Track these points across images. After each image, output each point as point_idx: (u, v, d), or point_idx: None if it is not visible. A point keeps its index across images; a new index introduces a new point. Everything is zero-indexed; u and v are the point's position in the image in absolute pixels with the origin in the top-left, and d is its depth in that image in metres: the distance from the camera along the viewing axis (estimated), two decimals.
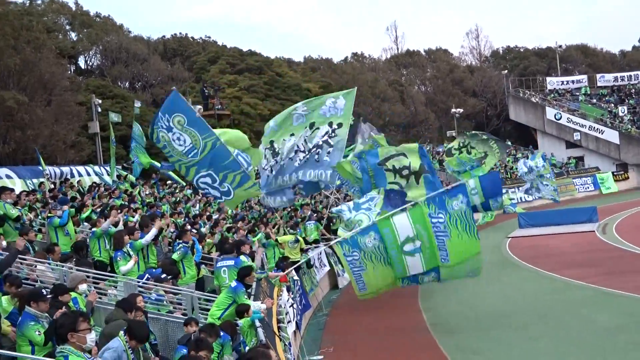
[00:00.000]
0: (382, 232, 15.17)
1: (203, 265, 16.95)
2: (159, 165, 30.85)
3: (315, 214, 26.09)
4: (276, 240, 20.15)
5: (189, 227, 19.25)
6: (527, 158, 46.31)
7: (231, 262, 13.92)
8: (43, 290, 9.06)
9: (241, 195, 15.77)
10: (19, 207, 16.19)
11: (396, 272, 15.41)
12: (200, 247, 17.03)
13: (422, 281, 16.04)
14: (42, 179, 26.77)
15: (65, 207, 15.78)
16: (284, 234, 22.50)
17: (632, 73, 76.85)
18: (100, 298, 11.40)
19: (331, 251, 24.68)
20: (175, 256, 14.63)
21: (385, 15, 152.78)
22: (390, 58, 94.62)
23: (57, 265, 12.43)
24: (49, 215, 15.71)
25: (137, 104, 35.84)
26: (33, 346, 8.10)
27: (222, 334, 9.39)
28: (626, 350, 12.75)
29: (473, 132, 45.46)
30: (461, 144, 40.69)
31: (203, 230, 20.53)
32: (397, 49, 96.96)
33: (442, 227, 15.03)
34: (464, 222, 15.07)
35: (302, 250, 21.06)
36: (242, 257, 14.43)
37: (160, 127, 15.11)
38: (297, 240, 20.77)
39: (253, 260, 15.55)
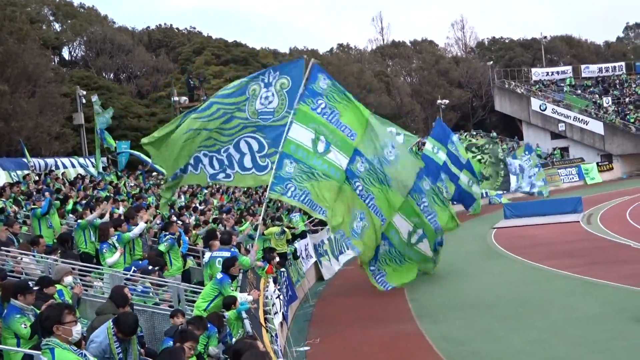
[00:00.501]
0: (295, 156, 15.31)
1: (191, 257, 16.92)
2: (149, 160, 30.75)
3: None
4: (263, 233, 20.11)
5: (174, 218, 19.19)
6: (512, 157, 46.57)
7: (227, 254, 13.78)
8: (30, 283, 9.01)
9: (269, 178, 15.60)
10: (4, 199, 16.10)
11: (340, 180, 15.54)
12: (187, 238, 16.99)
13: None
14: (26, 171, 26.58)
15: (47, 195, 15.71)
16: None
17: (616, 64, 77.34)
18: (86, 290, 11.35)
19: (318, 242, 24.73)
20: (161, 247, 14.58)
21: (371, 6, 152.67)
22: (376, 49, 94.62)
23: (42, 257, 12.37)
24: (32, 207, 15.64)
25: (95, 98, 35.70)
26: (18, 339, 8.06)
27: (208, 325, 9.38)
28: (610, 339, 12.86)
29: (498, 149, 45.31)
30: (483, 149, 40.82)
31: (192, 220, 20.48)
32: (383, 39, 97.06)
33: (365, 192, 16.07)
34: (375, 175, 16.23)
35: (289, 242, 21.07)
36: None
37: (260, 80, 14.90)
38: (283, 232, 20.75)
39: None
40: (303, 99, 15.41)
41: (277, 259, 17.12)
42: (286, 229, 21.18)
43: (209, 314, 10.32)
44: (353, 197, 16.10)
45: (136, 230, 14.22)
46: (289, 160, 15.27)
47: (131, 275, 12.23)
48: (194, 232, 18.89)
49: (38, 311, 7.93)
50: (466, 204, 32.20)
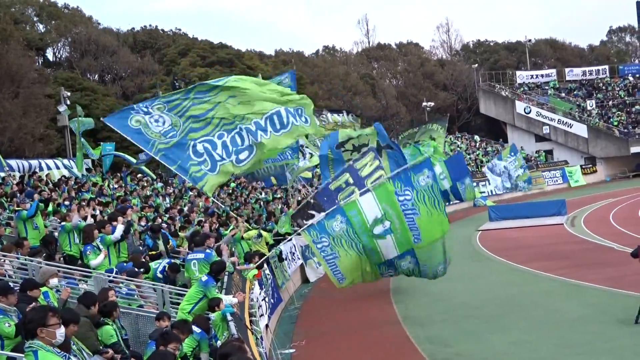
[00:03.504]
0: (348, 215, 15.26)
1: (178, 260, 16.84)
2: (133, 161, 30.65)
3: (286, 207, 26.04)
4: (242, 237, 19.99)
5: (161, 221, 19.11)
6: (497, 158, 47.17)
7: (201, 255, 13.72)
8: (10, 284, 8.95)
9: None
10: None
11: (371, 259, 15.48)
12: (176, 240, 16.93)
13: (400, 267, 16.21)
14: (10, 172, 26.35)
15: (36, 197, 15.59)
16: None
17: (600, 67, 77.85)
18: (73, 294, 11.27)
19: (304, 245, 24.69)
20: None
21: (357, 8, 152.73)
22: (362, 51, 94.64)
23: (25, 259, 12.27)
24: (16, 209, 15.50)
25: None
26: (2, 340, 8.00)
27: (199, 330, 9.32)
28: (592, 340, 12.98)
29: (409, 132, 45.78)
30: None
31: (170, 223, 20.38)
32: (369, 42, 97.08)
33: (409, 204, 15.14)
34: (432, 197, 15.20)
35: (268, 244, 21.00)
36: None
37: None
38: (260, 235, 20.60)
39: (219, 255, 15.39)
40: (394, 179, 15.46)
41: (256, 258, 17.02)
42: (263, 232, 21.04)
43: (195, 317, 10.25)
44: (375, 274, 16.58)
45: (116, 233, 14.03)
46: (342, 217, 15.35)
47: (114, 277, 12.15)
48: (181, 234, 18.79)
49: (21, 314, 7.88)
50: None
